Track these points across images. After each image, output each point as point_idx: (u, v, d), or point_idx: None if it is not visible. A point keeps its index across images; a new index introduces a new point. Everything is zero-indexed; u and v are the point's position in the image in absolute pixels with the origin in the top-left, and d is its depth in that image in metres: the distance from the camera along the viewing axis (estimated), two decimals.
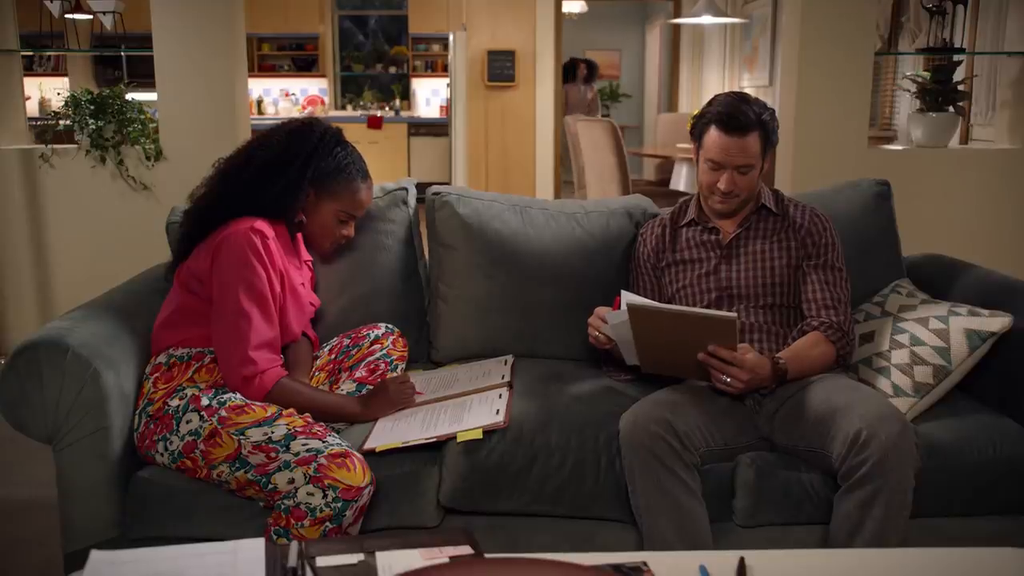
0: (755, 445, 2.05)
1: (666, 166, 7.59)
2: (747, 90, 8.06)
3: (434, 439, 1.97)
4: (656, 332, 2.02)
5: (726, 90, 8.82)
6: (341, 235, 2.24)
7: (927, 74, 4.32)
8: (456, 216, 2.47)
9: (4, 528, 2.63)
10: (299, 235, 2.28)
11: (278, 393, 1.98)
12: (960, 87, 4.22)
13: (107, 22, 4.32)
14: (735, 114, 2.20)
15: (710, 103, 2.29)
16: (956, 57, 4.30)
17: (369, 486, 1.86)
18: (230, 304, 1.97)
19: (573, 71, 10.03)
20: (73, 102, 4.17)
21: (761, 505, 1.98)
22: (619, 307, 2.13)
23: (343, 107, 11.26)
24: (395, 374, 2.23)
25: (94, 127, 4.13)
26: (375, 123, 10.27)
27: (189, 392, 1.96)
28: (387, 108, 11.07)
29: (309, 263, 2.34)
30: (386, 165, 10.48)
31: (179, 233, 2.17)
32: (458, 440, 1.97)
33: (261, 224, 2.03)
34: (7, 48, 4.25)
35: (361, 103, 11.23)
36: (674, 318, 2.00)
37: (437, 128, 10.41)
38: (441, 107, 10.86)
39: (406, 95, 11.18)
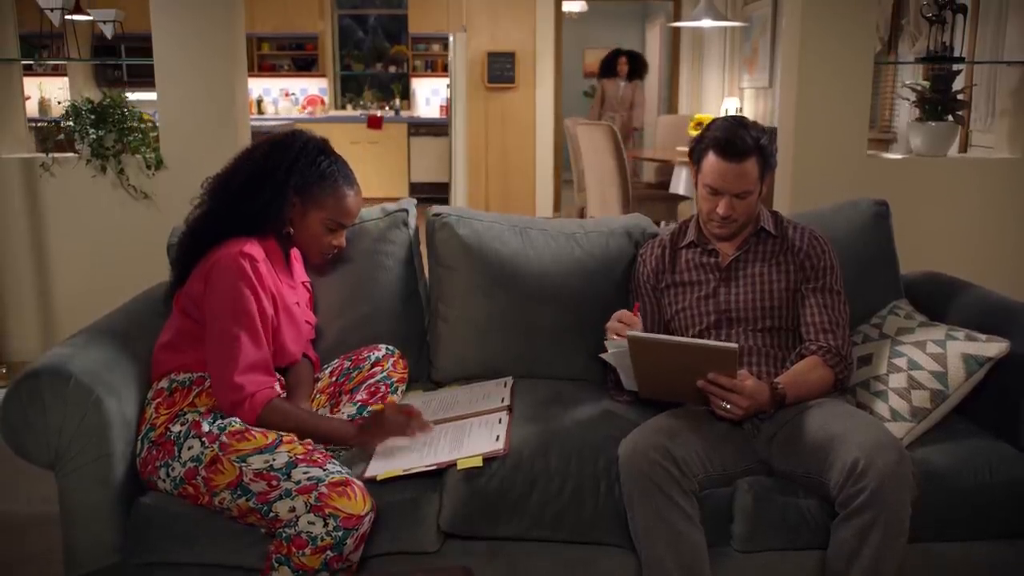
0: (753, 470, 2.07)
1: (666, 168, 7.59)
2: (747, 91, 8.11)
3: (434, 467, 1.98)
4: (656, 361, 2.04)
5: (726, 90, 8.79)
6: (331, 245, 2.23)
7: (927, 83, 4.33)
8: (456, 237, 2.49)
9: (7, 545, 2.65)
10: (295, 253, 2.29)
11: (269, 415, 1.98)
12: (959, 96, 4.23)
13: (107, 31, 4.34)
14: (733, 140, 2.20)
15: (708, 127, 2.29)
16: (955, 66, 4.30)
17: (370, 514, 1.87)
18: (218, 328, 1.99)
19: (612, 66, 8.91)
20: (74, 111, 4.17)
21: (759, 530, 1.99)
22: (638, 313, 2.21)
23: (343, 107, 11.25)
24: (395, 397, 2.24)
25: (95, 136, 4.14)
26: (375, 123, 10.26)
27: (190, 417, 1.98)
28: (387, 108, 11.06)
29: (307, 284, 2.34)
30: (386, 165, 10.48)
31: (175, 255, 2.19)
32: (458, 467, 1.98)
33: (250, 247, 2.04)
34: (7, 57, 4.25)
35: (361, 103, 11.22)
36: (674, 348, 2.02)
37: (437, 128, 10.40)
38: (441, 107, 10.85)
39: (406, 95, 11.17)
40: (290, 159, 2.12)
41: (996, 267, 4.16)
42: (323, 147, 2.19)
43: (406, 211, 2.59)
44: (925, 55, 4.58)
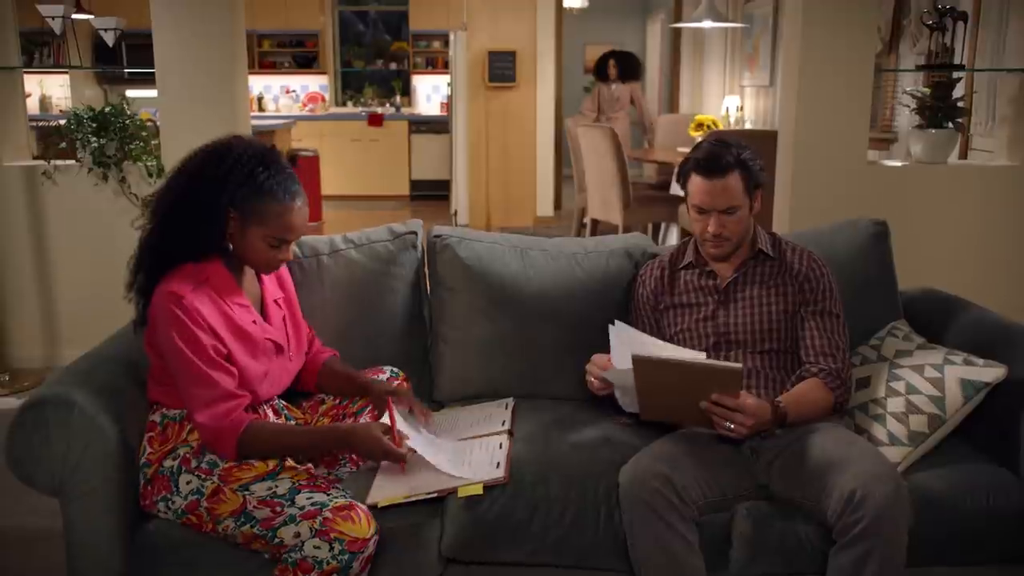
0: (752, 494, 2.08)
1: (667, 168, 7.59)
2: (747, 89, 8.10)
3: (435, 494, 2.00)
4: (659, 382, 2.06)
5: (726, 88, 8.78)
6: (277, 259, 2.07)
7: (927, 90, 4.33)
8: (457, 259, 2.50)
9: (15, 559, 2.67)
10: (258, 274, 2.17)
11: (249, 444, 1.93)
12: (960, 104, 4.24)
13: (108, 39, 4.34)
14: (713, 157, 2.25)
15: (693, 149, 2.33)
16: (956, 73, 4.31)
17: (375, 536, 1.89)
18: (173, 369, 1.95)
19: (603, 69, 8.64)
20: (75, 119, 4.18)
21: (757, 556, 2.01)
22: (612, 338, 2.19)
23: (344, 103, 11.25)
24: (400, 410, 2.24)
25: (96, 145, 4.15)
26: (376, 121, 10.29)
27: (182, 452, 1.98)
28: (388, 105, 11.06)
29: (279, 301, 2.21)
30: (387, 163, 10.49)
31: (133, 289, 2.08)
32: (459, 495, 2.01)
33: (176, 284, 1.94)
34: (9, 65, 4.26)
35: (362, 99, 11.22)
36: (679, 369, 2.04)
37: (438, 125, 10.40)
38: (442, 104, 10.85)
39: (407, 91, 11.17)
40: (223, 172, 1.97)
41: (996, 273, 4.17)
42: (263, 157, 2.01)
43: (415, 234, 2.60)
44: (926, 57, 4.59)
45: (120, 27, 4.34)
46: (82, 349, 4.30)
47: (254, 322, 2.08)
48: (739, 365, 1.99)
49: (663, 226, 7.10)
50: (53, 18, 4.22)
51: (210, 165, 2.00)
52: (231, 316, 2.02)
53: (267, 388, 2.09)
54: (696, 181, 2.28)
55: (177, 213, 2.00)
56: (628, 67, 8.62)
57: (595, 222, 6.78)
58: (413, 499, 1.98)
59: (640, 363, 2.02)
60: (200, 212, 1.98)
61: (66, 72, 8.69)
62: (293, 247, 2.11)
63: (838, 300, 2.32)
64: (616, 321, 2.24)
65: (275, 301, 2.20)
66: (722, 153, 2.25)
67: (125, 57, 8.18)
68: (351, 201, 10.16)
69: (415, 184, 10.59)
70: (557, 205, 9.18)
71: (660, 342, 2.27)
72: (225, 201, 1.97)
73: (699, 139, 6.38)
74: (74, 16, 6.76)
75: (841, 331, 2.28)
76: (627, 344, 2.16)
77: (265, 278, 2.19)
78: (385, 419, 2.06)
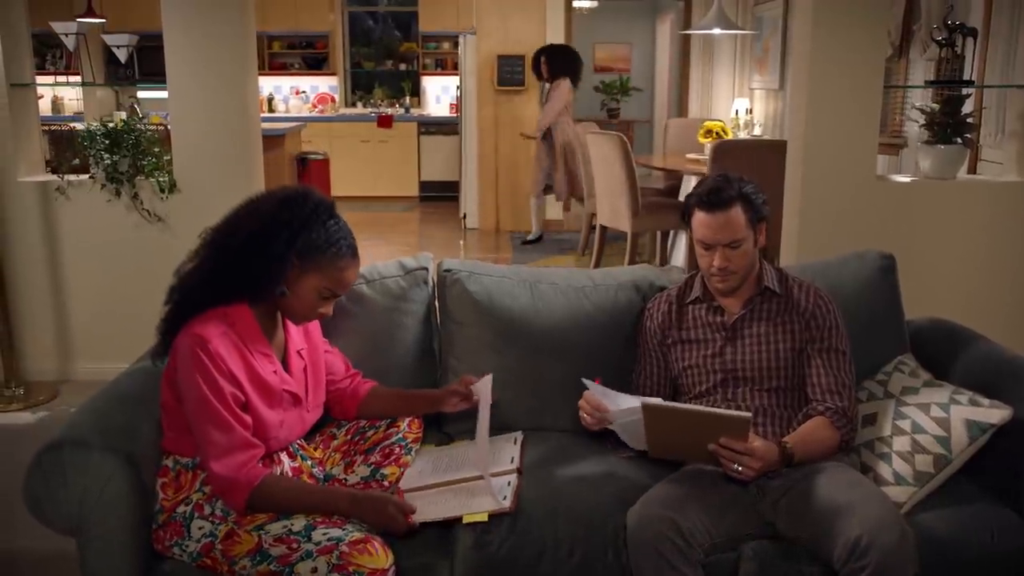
0: (758, 534, 2.10)
1: (675, 173, 7.59)
2: (757, 92, 8.08)
3: (440, 519, 2.05)
4: (668, 428, 2.10)
5: (736, 91, 8.76)
6: (319, 312, 2.11)
7: (936, 106, 4.33)
8: (467, 293, 2.53)
9: None
10: (285, 323, 2.19)
11: (258, 501, 1.96)
12: (969, 120, 4.23)
13: (121, 55, 4.37)
14: (715, 191, 2.28)
15: (696, 186, 2.36)
16: (965, 89, 4.30)
17: (392, 567, 1.92)
18: (190, 413, 1.97)
19: (536, 67, 7.98)
20: (88, 136, 4.22)
21: None
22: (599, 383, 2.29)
23: (353, 104, 11.27)
24: (409, 457, 2.26)
25: (109, 162, 4.18)
26: (385, 122, 10.31)
27: (194, 498, 2.01)
28: (397, 105, 11.08)
29: (303, 351, 2.23)
30: (396, 164, 10.51)
31: (161, 322, 2.08)
32: (464, 521, 2.05)
33: (204, 327, 1.97)
34: (22, 82, 4.29)
35: (371, 100, 11.24)
36: (687, 416, 2.08)
37: (447, 127, 10.42)
38: (451, 105, 10.86)
39: (416, 92, 11.18)
40: (302, 218, 2.02)
41: (1003, 289, 4.18)
42: (332, 211, 2.09)
43: (426, 269, 2.62)
44: (935, 71, 4.58)
45: (132, 44, 4.36)
46: (95, 363, 4.39)
47: (275, 372, 2.10)
48: (748, 414, 2.03)
49: (671, 233, 7.11)
50: (66, 35, 4.25)
51: (287, 210, 2.03)
52: (252, 364, 2.04)
53: (281, 437, 2.12)
54: (699, 216, 2.31)
55: (243, 252, 2.01)
56: (555, 63, 7.87)
57: (603, 228, 6.80)
58: (419, 522, 2.03)
59: (649, 410, 2.06)
60: (268, 254, 2.00)
61: (78, 74, 8.76)
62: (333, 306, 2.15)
63: (844, 337, 2.34)
64: (584, 380, 2.28)
65: (298, 352, 2.22)
66: (724, 187, 2.28)
67: (136, 58, 8.22)
68: (361, 202, 10.20)
69: (424, 185, 10.62)
70: (566, 207, 9.17)
71: (627, 397, 2.29)
72: (295, 248, 2.01)
73: (708, 145, 6.40)
74: (85, 20, 6.81)
75: (847, 368, 2.30)
76: (602, 397, 2.27)
77: (291, 328, 2.21)
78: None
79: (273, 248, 2.00)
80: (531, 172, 8.14)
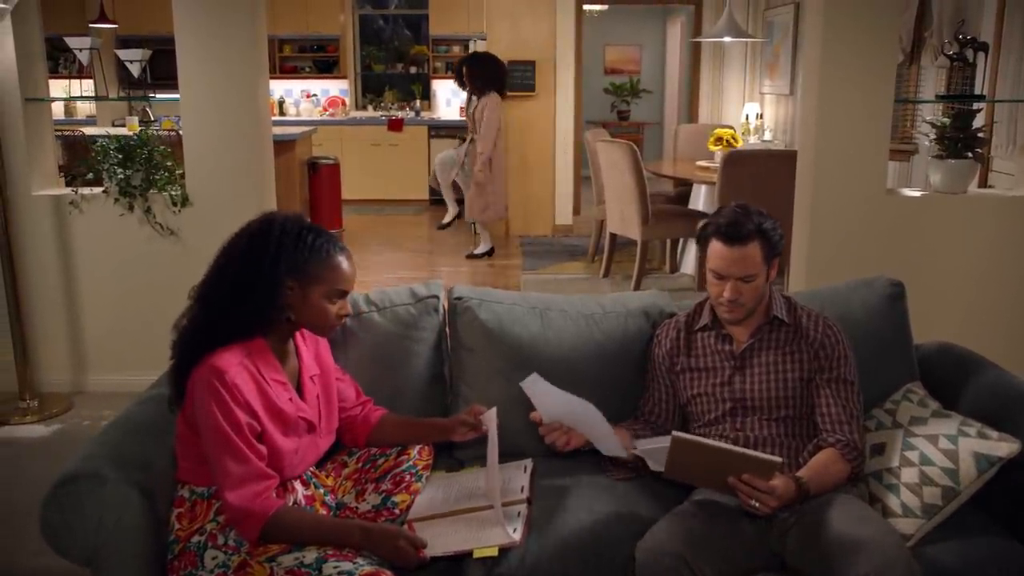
0: (766, 565, 2.12)
1: (685, 182, 7.60)
2: (767, 97, 8.07)
3: (452, 553, 2.07)
4: (694, 460, 2.11)
5: (746, 96, 8.76)
6: (338, 315, 2.15)
7: (946, 120, 4.33)
8: (477, 321, 2.55)
9: None
10: (305, 347, 2.23)
11: (271, 531, 1.98)
12: (980, 134, 4.23)
13: (134, 70, 4.40)
14: (735, 224, 2.29)
15: (714, 214, 2.36)
16: (976, 104, 4.30)
17: None
18: (207, 444, 1.99)
19: (459, 77, 7.58)
20: (101, 151, 4.25)
21: None
22: (531, 387, 2.37)
23: (364, 107, 11.30)
24: (420, 484, 2.29)
25: (122, 176, 4.22)
26: (396, 126, 10.32)
27: (208, 528, 2.03)
28: (407, 109, 11.09)
29: (315, 377, 2.26)
30: (406, 168, 10.53)
31: (170, 369, 2.12)
32: (474, 556, 2.06)
33: (220, 359, 1.99)
34: (36, 96, 4.33)
35: (382, 103, 11.26)
36: (717, 453, 2.08)
37: (457, 131, 10.43)
38: (461, 108, 10.87)
39: (426, 95, 11.19)
40: (275, 245, 2.05)
41: (1016, 303, 4.18)
42: (301, 222, 2.12)
43: (436, 298, 2.64)
44: (946, 85, 4.59)
45: (145, 59, 4.40)
46: (109, 375, 4.42)
47: (290, 400, 2.13)
48: (779, 459, 2.04)
49: (681, 242, 7.11)
50: (80, 50, 4.28)
51: (258, 244, 2.06)
52: (268, 393, 2.07)
53: (295, 466, 2.14)
54: (716, 247, 2.32)
55: (235, 297, 2.04)
56: (477, 74, 7.25)
57: (613, 236, 6.80)
58: (430, 556, 2.04)
59: (678, 442, 2.07)
60: (259, 290, 2.04)
61: (90, 78, 8.82)
62: (348, 302, 2.20)
63: (853, 367, 2.35)
64: (535, 374, 2.36)
65: (311, 378, 2.24)
66: (744, 221, 2.29)
67: (149, 64, 8.26)
68: (371, 206, 10.23)
69: (433, 189, 10.62)
70: (576, 210, 9.19)
71: (572, 398, 2.33)
72: (283, 272, 2.05)
73: (718, 153, 6.40)
74: (97, 26, 6.85)
75: (855, 399, 2.32)
76: (542, 396, 2.35)
77: (304, 354, 2.24)
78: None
79: (262, 282, 2.04)
80: (474, 200, 7.60)
